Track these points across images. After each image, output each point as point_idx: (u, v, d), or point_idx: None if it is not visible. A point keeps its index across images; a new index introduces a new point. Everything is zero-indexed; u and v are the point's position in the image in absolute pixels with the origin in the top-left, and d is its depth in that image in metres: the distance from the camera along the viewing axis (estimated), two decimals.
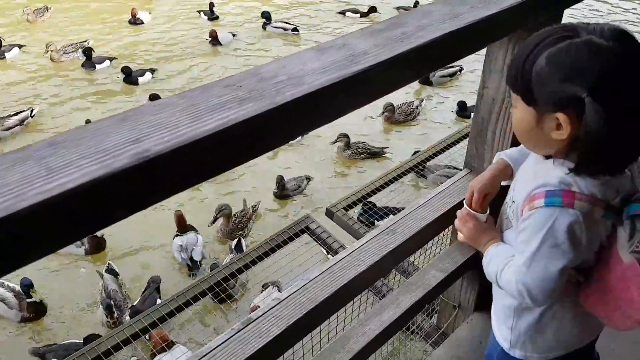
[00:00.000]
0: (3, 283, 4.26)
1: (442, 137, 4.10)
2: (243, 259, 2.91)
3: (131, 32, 8.72)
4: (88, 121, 5.73)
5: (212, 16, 9.11)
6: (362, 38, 0.98)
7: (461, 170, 1.73)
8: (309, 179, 5.45)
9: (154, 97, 6.37)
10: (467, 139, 1.67)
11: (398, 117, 6.24)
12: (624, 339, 1.88)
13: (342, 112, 0.87)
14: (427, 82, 7.20)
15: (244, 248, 4.44)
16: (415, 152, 4.79)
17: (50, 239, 0.56)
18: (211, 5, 9.18)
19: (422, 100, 6.65)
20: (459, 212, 1.32)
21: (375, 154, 5.75)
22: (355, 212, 3.23)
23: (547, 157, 1.08)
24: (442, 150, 3.81)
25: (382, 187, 3.45)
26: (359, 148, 5.68)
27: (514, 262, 1.10)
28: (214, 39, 8.37)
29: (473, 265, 1.91)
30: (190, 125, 0.70)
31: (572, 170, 1.00)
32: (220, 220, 4.78)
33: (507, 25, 1.16)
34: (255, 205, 5.01)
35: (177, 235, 4.60)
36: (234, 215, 4.81)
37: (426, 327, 2.24)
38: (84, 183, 0.58)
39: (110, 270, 4.46)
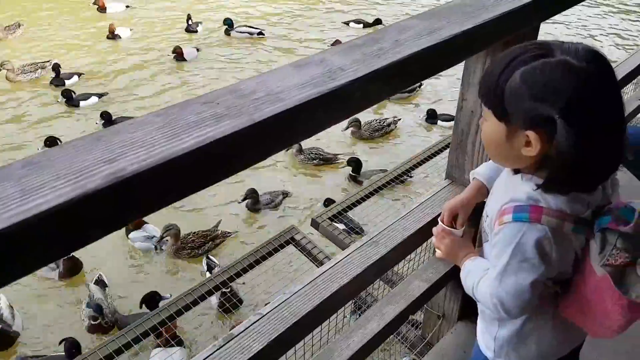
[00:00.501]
0: None
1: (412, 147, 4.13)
2: (228, 271, 2.89)
3: (107, 47, 8.43)
4: (49, 140, 5.69)
5: (189, 29, 8.90)
6: (340, 54, 0.99)
7: (442, 180, 1.75)
8: (285, 194, 5.41)
9: (106, 115, 6.30)
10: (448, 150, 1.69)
11: (364, 133, 6.17)
12: (605, 348, 1.90)
13: (320, 127, 0.88)
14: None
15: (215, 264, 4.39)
16: (383, 170, 4.93)
17: (23, 263, 0.56)
18: (188, 17, 8.91)
19: (398, 119, 6.55)
20: (434, 229, 1.34)
21: (328, 160, 5.83)
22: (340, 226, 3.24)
23: (516, 171, 1.10)
24: (426, 160, 3.84)
25: (365, 198, 3.46)
26: (312, 153, 5.76)
27: (488, 276, 1.12)
28: (179, 55, 8.07)
29: (456, 274, 1.92)
30: (167, 144, 0.70)
31: (540, 187, 1.01)
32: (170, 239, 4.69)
33: (484, 39, 1.18)
34: (217, 226, 4.88)
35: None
36: (195, 233, 4.72)
37: (411, 337, 2.24)
38: (58, 204, 0.57)
39: (99, 282, 4.36)
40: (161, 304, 3.76)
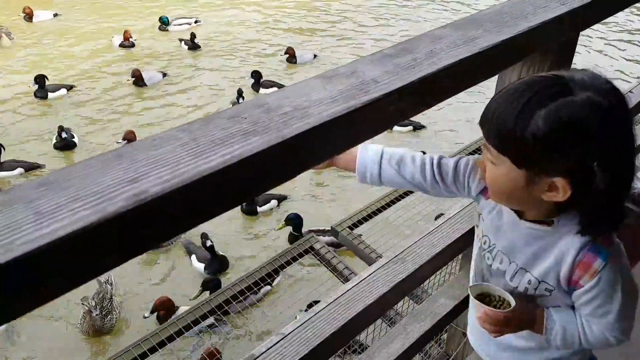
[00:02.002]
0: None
1: None
2: (239, 284, 2.83)
3: (116, 56, 8.18)
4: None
5: (192, 46, 8.60)
6: (370, 65, 0.93)
7: None
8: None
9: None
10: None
11: None
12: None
13: (351, 143, 0.83)
14: None
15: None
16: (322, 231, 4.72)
17: (37, 294, 0.52)
18: (192, 35, 8.61)
19: None
20: (482, 319, 1.12)
21: None
22: (360, 230, 3.17)
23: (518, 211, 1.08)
24: None
25: (390, 204, 3.38)
26: None
27: (607, 322, 1.06)
28: (138, 79, 7.57)
29: None
30: (192, 163, 0.65)
31: (583, 232, 1.00)
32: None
33: (522, 49, 1.12)
34: (108, 280, 4.42)
35: None
36: (92, 300, 4.17)
37: (434, 354, 2.17)
38: (76, 230, 0.53)
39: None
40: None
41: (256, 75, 7.57)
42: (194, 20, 8.96)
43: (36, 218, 0.54)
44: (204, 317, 2.68)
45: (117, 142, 6.03)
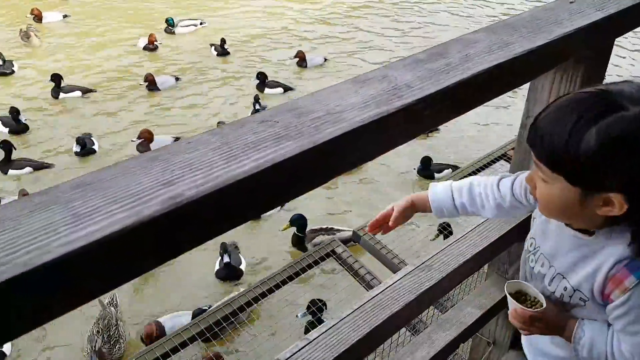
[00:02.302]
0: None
1: None
2: (261, 286, 2.84)
3: (139, 59, 8.08)
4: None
5: (221, 52, 8.43)
6: (403, 69, 0.92)
7: None
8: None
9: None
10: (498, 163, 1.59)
11: None
12: None
13: (383, 149, 0.82)
14: None
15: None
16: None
17: (73, 296, 0.52)
18: (222, 41, 8.45)
19: None
20: (514, 317, 1.16)
21: None
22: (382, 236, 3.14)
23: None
24: (482, 168, 3.71)
25: None
26: None
27: (633, 341, 1.04)
28: (151, 83, 7.37)
29: None
30: (225, 167, 0.65)
31: (636, 246, 0.98)
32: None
33: (558, 55, 1.10)
34: (112, 301, 4.03)
35: None
36: (97, 324, 3.82)
37: None
38: (112, 233, 0.53)
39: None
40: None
41: (261, 75, 7.50)
42: (199, 22, 8.85)
43: (73, 220, 0.55)
44: (227, 317, 2.68)
45: (132, 140, 6.01)
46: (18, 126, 6.12)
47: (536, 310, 1.11)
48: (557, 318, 1.12)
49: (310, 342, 1.12)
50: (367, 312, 1.19)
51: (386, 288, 1.25)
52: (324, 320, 3.59)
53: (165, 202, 0.58)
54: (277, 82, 7.64)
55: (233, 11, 10.03)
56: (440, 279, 1.31)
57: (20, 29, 8.42)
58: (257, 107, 6.59)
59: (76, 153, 5.83)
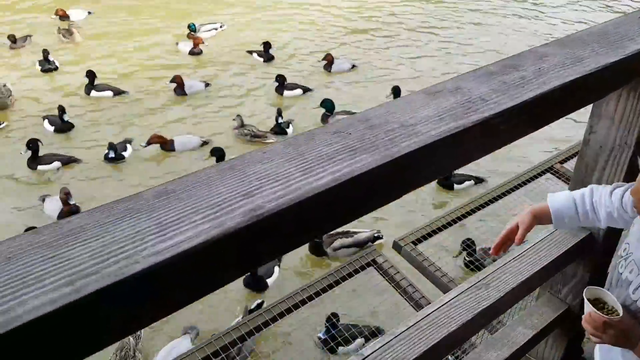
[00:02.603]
0: None
1: None
2: (300, 293, 2.80)
3: (180, 61, 7.77)
4: None
5: (266, 58, 8.05)
6: (475, 81, 0.90)
7: None
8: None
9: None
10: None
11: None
12: None
13: (458, 164, 0.80)
14: None
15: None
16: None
17: (161, 306, 0.52)
18: (267, 45, 8.05)
19: None
20: (587, 322, 1.13)
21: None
22: (423, 247, 3.08)
23: None
24: (524, 184, 3.59)
25: (461, 217, 3.26)
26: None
27: None
28: (179, 86, 6.96)
29: (563, 322, 1.76)
30: (302, 179, 0.64)
31: None
32: None
33: (632, 72, 1.05)
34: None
35: None
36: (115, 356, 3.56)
37: None
38: (198, 244, 0.53)
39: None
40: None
41: (280, 78, 7.22)
42: (219, 25, 8.57)
43: (158, 229, 0.54)
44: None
45: (141, 145, 5.76)
46: (63, 125, 6.12)
47: (611, 317, 1.08)
48: (631, 329, 1.09)
49: (364, 358, 1.10)
50: (422, 329, 1.16)
51: (442, 305, 1.22)
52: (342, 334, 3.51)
53: (246, 214, 0.57)
54: (295, 84, 7.39)
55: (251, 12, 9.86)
56: (498, 298, 1.26)
57: (59, 27, 8.41)
58: (280, 120, 6.25)
59: (108, 158, 5.57)
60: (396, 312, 3.58)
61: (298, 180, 0.64)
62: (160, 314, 0.51)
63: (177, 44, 8.27)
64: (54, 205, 4.91)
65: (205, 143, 6.02)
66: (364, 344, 3.53)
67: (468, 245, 4.19)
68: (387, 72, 7.91)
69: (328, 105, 6.44)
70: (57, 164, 5.64)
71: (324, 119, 6.48)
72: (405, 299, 2.64)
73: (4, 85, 6.53)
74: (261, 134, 6.18)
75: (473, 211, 3.38)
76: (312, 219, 0.63)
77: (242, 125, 6.24)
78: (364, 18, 9.64)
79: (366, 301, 3.38)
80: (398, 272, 2.77)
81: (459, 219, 3.24)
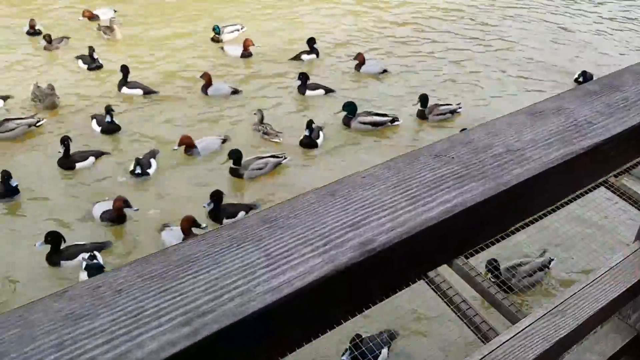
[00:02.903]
0: None
1: None
2: None
3: (219, 62, 7.68)
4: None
5: (311, 51, 7.91)
6: (577, 102, 0.84)
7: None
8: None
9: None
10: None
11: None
12: None
13: (570, 191, 0.74)
14: (423, 116, 6.57)
15: None
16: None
17: (277, 345, 0.48)
18: (311, 41, 7.87)
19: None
20: None
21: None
22: (474, 261, 2.99)
23: None
24: (575, 199, 3.45)
25: (514, 232, 3.16)
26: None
27: None
28: (207, 84, 6.89)
29: (631, 349, 1.66)
30: (410, 209, 0.60)
31: None
32: None
33: None
34: None
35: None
36: None
37: None
38: (312, 281, 0.49)
39: None
40: None
41: (303, 77, 6.98)
42: (240, 26, 8.44)
43: (268, 261, 0.51)
44: None
45: (174, 149, 5.75)
46: (109, 126, 6.10)
47: None
48: None
49: None
50: (498, 359, 1.10)
51: (517, 333, 1.15)
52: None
53: (356, 248, 0.54)
54: (317, 84, 7.15)
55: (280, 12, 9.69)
56: (576, 326, 1.19)
57: (99, 24, 8.49)
58: (308, 132, 6.01)
59: (134, 174, 5.42)
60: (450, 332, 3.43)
61: (406, 211, 0.59)
62: (277, 352, 0.48)
63: (222, 48, 8.17)
64: (102, 209, 4.88)
65: (224, 141, 5.99)
66: (387, 354, 3.44)
67: (495, 267, 4.01)
68: (416, 77, 7.75)
69: (350, 108, 6.41)
70: (91, 159, 5.70)
71: (347, 121, 6.42)
72: (458, 315, 2.56)
73: (49, 85, 6.61)
74: (272, 133, 6.18)
75: (527, 224, 3.28)
76: (424, 252, 0.59)
77: (262, 121, 6.23)
78: (407, 24, 9.49)
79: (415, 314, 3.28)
80: (451, 287, 2.68)
81: (512, 232, 3.14)
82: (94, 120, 6.26)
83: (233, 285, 0.48)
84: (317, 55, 8.05)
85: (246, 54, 7.95)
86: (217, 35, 8.36)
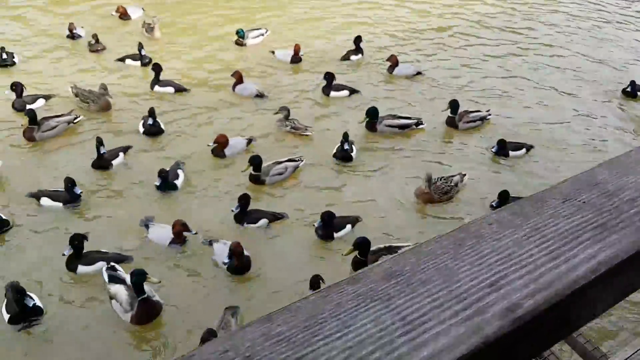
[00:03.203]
0: None
1: None
2: None
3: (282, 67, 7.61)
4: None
5: (357, 50, 7.85)
6: None
7: None
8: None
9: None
10: None
11: (434, 194, 5.20)
12: None
13: None
14: (453, 124, 6.29)
15: None
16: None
17: None
18: (358, 39, 7.80)
19: (464, 175, 5.46)
20: None
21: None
22: None
23: None
24: None
25: None
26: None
27: None
28: (237, 82, 6.84)
29: None
30: (551, 266, 0.53)
31: None
32: None
33: None
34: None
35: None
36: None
37: None
38: (462, 356, 0.43)
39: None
40: None
41: (329, 77, 6.81)
42: (264, 30, 8.36)
43: (405, 328, 0.46)
44: None
45: (208, 145, 5.60)
46: (151, 128, 6.00)
47: None
48: None
49: None
50: None
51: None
52: None
53: (503, 315, 0.47)
54: (342, 85, 6.99)
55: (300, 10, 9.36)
56: None
57: (143, 21, 8.48)
58: (346, 146, 5.66)
59: (157, 187, 5.18)
60: None
61: (547, 268, 0.53)
62: None
63: (272, 52, 7.98)
64: (160, 234, 4.63)
65: (250, 141, 5.88)
66: None
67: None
68: (448, 82, 7.46)
69: (373, 113, 6.15)
70: (121, 155, 5.66)
71: (371, 127, 6.14)
72: None
73: (102, 85, 6.48)
74: (301, 127, 6.11)
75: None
76: (572, 314, 0.52)
77: (288, 117, 6.14)
78: (446, 29, 9.17)
79: None
80: None
81: None
82: (142, 122, 6.16)
83: (372, 357, 0.43)
84: (362, 54, 7.94)
85: (296, 59, 7.79)
86: (240, 39, 8.22)
